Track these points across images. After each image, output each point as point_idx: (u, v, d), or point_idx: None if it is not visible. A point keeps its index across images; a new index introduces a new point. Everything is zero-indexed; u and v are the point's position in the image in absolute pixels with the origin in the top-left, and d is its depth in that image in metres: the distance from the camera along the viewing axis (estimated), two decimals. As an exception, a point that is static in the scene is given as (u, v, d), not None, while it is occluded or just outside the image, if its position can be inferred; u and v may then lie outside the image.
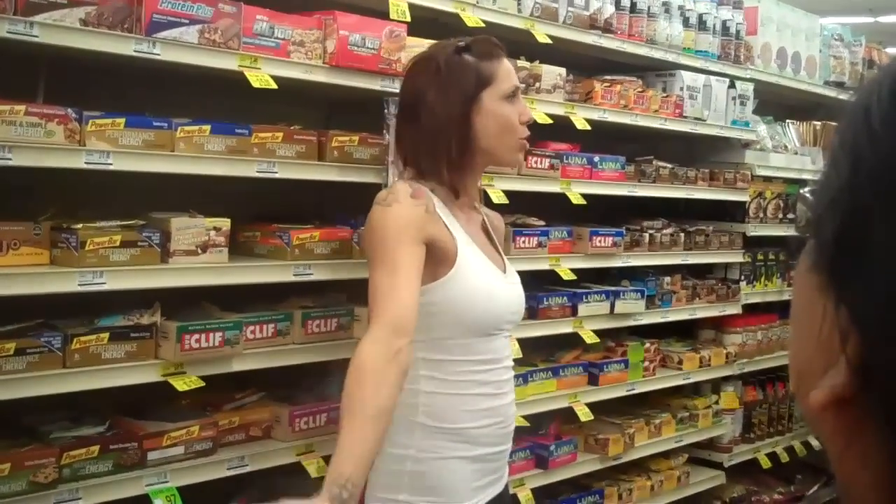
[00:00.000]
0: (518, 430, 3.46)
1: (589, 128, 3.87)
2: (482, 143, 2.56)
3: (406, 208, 2.42)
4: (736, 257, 4.95)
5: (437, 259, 2.45)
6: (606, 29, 4.02)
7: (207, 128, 2.70)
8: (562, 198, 3.82)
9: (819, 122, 5.68)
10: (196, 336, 2.67)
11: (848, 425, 0.61)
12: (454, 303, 2.47)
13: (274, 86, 2.76)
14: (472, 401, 2.54)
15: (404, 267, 2.36)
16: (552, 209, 3.92)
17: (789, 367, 0.70)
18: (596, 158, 4.00)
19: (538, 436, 3.88)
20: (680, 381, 4.62)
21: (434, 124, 2.52)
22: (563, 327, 3.89)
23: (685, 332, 4.97)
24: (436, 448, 2.50)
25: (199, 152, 2.68)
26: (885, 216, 0.58)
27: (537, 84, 3.67)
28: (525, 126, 2.63)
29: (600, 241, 4.00)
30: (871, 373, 0.58)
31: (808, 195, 0.68)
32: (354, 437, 2.14)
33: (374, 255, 2.42)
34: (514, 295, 2.65)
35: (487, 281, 2.54)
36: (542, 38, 3.66)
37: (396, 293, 2.33)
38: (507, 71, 2.62)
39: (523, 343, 3.55)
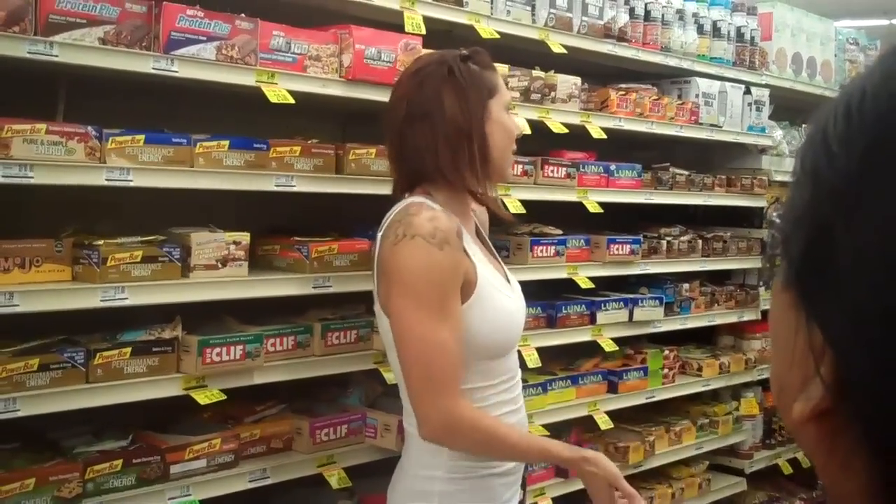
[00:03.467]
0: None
1: (605, 136, 3.88)
2: (491, 153, 2.51)
3: (455, 255, 2.35)
4: (754, 263, 4.94)
5: (464, 289, 2.40)
6: (621, 38, 4.03)
7: (226, 143, 2.72)
8: (578, 206, 3.83)
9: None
10: (217, 349, 2.69)
11: (829, 435, 0.63)
12: (478, 328, 2.41)
13: (291, 100, 2.78)
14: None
15: (458, 318, 2.36)
16: (569, 218, 3.93)
17: (770, 383, 0.72)
18: (612, 167, 4.00)
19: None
20: (699, 388, 4.61)
21: (454, 128, 2.44)
22: (582, 335, 3.89)
23: (704, 338, 4.97)
24: (466, 468, 2.46)
25: (218, 167, 2.70)
26: (846, 231, 0.59)
27: (552, 94, 3.68)
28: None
29: (618, 249, 4.00)
30: (845, 387, 0.60)
31: (776, 219, 0.70)
32: (535, 441, 2.63)
33: (426, 301, 2.31)
34: (523, 308, 2.63)
35: (505, 302, 2.50)
36: (557, 48, 3.67)
37: (461, 349, 2.35)
38: (503, 82, 2.62)
39: (542, 352, 3.56)
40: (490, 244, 2.71)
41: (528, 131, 2.63)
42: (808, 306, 0.63)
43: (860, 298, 0.58)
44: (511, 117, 2.60)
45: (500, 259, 2.70)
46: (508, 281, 2.61)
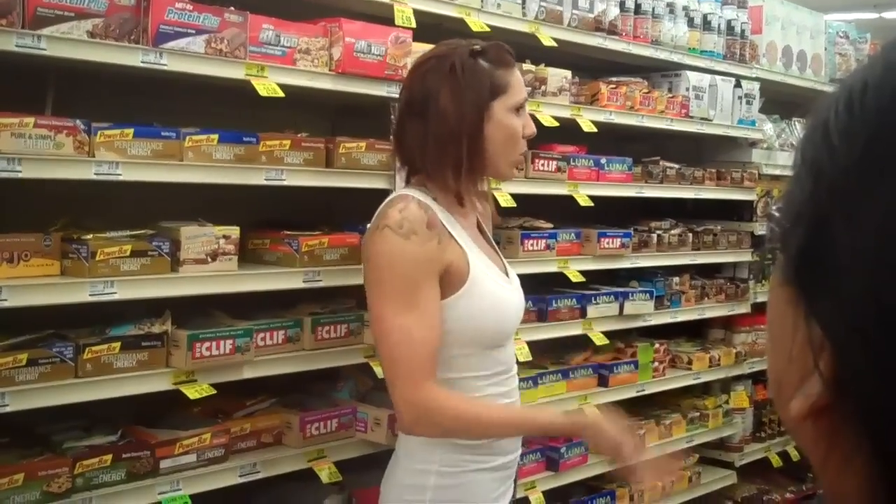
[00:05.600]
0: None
1: (595, 130, 3.87)
2: (487, 153, 2.49)
3: (425, 245, 2.35)
4: (744, 256, 4.94)
5: (451, 278, 2.41)
6: (611, 31, 4.02)
7: (215, 137, 2.71)
8: (569, 200, 3.82)
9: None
10: (207, 344, 2.68)
11: (827, 433, 0.62)
12: (470, 317, 2.42)
13: (281, 94, 2.77)
14: None
15: (430, 308, 2.36)
16: (560, 211, 3.93)
17: (768, 378, 0.71)
18: (603, 160, 4.00)
19: (549, 438, 3.89)
20: (690, 382, 4.62)
21: (444, 128, 2.43)
22: (573, 329, 3.89)
23: (694, 332, 4.97)
24: (459, 462, 2.48)
25: (208, 161, 2.69)
26: (846, 227, 0.58)
27: (543, 87, 3.67)
28: (525, 141, 2.59)
29: (608, 243, 4.00)
30: (844, 383, 0.59)
31: (775, 212, 0.69)
32: (522, 415, 2.62)
33: (391, 290, 2.34)
34: (519, 300, 2.63)
35: (499, 291, 2.51)
36: (548, 41, 3.67)
37: (431, 337, 2.35)
38: (519, 82, 2.56)
39: (532, 345, 3.55)
40: (490, 237, 2.71)
41: (534, 131, 2.60)
42: (807, 301, 0.62)
43: (859, 294, 0.57)
44: (521, 118, 2.55)
45: (500, 252, 2.70)
46: (507, 274, 2.62)
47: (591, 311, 3.94)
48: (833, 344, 0.60)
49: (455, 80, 2.45)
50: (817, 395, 0.61)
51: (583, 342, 4.04)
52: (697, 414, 4.67)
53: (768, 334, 0.70)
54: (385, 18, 3.09)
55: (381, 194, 2.58)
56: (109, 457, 2.57)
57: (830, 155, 0.61)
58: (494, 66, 2.51)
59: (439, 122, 2.44)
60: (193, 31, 2.63)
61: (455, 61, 2.46)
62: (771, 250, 0.68)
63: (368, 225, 2.49)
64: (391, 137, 2.64)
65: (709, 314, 4.77)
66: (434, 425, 2.40)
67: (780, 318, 0.66)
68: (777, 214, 0.68)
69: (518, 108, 2.54)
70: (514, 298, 2.59)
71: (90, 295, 2.46)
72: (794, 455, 5.28)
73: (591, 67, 4.20)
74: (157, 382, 2.63)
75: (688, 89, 4.49)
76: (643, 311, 4.22)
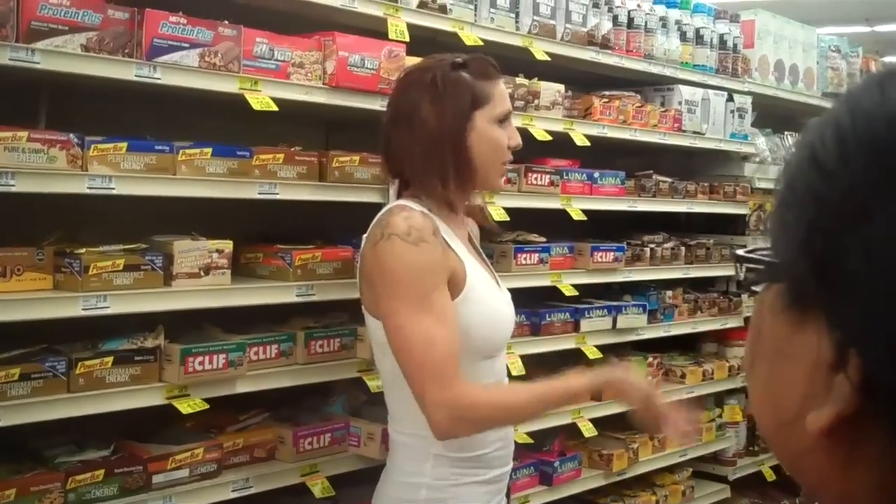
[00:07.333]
0: (522, 446, 3.47)
1: (588, 143, 3.88)
2: (471, 163, 2.50)
3: (434, 251, 2.36)
4: (737, 270, 4.94)
5: (450, 286, 2.40)
6: (604, 45, 4.03)
7: (209, 150, 2.71)
8: (562, 214, 3.82)
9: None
10: (200, 358, 2.67)
11: (848, 442, 0.65)
12: (467, 325, 2.41)
13: (274, 108, 2.77)
14: None
15: (447, 311, 2.35)
16: (553, 225, 3.93)
17: (758, 410, 0.74)
18: (596, 174, 4.01)
19: (542, 452, 3.88)
20: (683, 395, 4.61)
21: (428, 137, 2.45)
22: (566, 343, 3.89)
23: (688, 345, 4.97)
24: (451, 476, 2.47)
25: (201, 175, 2.69)
26: (859, 241, 0.62)
27: (536, 101, 3.68)
28: (511, 151, 2.58)
29: (601, 257, 4.00)
30: (875, 387, 0.62)
31: (744, 254, 0.76)
32: (549, 389, 2.49)
33: (407, 298, 2.32)
34: (511, 312, 2.64)
35: (493, 301, 2.52)
36: (541, 55, 3.67)
37: (452, 337, 2.34)
38: (502, 94, 2.56)
39: (526, 359, 3.55)
40: (482, 253, 2.71)
41: (519, 143, 2.60)
42: (830, 316, 0.65)
43: (884, 297, 0.61)
44: (505, 129, 2.55)
45: (492, 268, 2.70)
46: (499, 286, 2.62)
47: (585, 324, 3.94)
48: (860, 349, 0.63)
49: (436, 91, 2.47)
50: (845, 403, 0.63)
51: (576, 356, 4.04)
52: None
53: (767, 363, 0.72)
54: (379, 32, 3.10)
55: (375, 208, 2.57)
56: (102, 472, 2.56)
57: (830, 182, 0.65)
58: (476, 78, 2.51)
59: (423, 131, 2.46)
60: (187, 45, 2.63)
61: (436, 73, 2.49)
62: (751, 286, 0.73)
63: (365, 236, 2.48)
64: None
65: (702, 328, 4.78)
66: (470, 423, 2.38)
67: (785, 345, 0.69)
68: (754, 255, 0.73)
69: (502, 120, 2.54)
70: (507, 309, 2.60)
71: (83, 309, 2.45)
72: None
73: (584, 81, 4.21)
74: (149, 397, 2.62)
75: (680, 103, 4.50)
76: (636, 324, 4.22)
